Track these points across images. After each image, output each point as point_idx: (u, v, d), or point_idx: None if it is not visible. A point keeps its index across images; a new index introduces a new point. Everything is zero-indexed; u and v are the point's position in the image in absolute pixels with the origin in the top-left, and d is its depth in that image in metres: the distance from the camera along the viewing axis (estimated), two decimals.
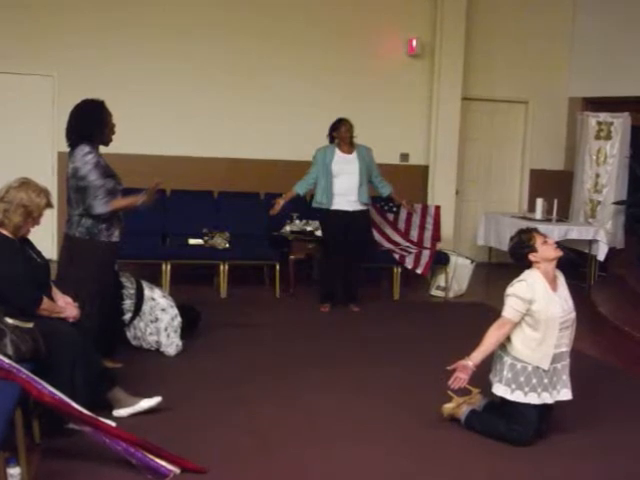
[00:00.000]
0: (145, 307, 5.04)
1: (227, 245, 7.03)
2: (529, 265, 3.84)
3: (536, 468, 3.59)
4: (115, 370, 4.33)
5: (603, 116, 8.47)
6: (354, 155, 6.47)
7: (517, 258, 3.91)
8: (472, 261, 7.52)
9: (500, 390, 3.81)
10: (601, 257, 7.88)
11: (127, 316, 5.00)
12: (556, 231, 7.59)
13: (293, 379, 4.66)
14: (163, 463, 3.26)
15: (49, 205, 3.73)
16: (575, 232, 7.87)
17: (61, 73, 7.76)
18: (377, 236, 7.53)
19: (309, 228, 7.15)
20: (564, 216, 8.53)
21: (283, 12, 8.26)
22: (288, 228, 7.23)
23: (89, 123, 4.37)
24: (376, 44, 8.54)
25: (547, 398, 3.79)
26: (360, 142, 6.55)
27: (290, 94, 8.29)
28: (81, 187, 4.30)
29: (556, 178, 9.19)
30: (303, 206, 7.16)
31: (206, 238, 7.06)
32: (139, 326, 5.05)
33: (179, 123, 8.04)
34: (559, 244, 4.36)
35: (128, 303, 5.00)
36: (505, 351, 3.83)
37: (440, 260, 7.36)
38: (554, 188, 8.65)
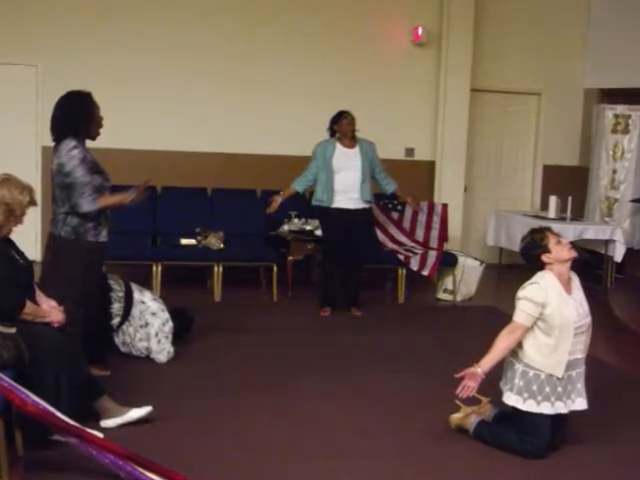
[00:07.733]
0: (134, 311, 5.04)
1: (221, 245, 7.03)
2: (542, 267, 3.84)
3: None
4: (103, 378, 4.33)
5: (620, 108, 8.48)
6: (356, 150, 6.46)
7: (529, 259, 3.90)
8: (481, 262, 7.52)
9: (511, 399, 3.81)
10: (618, 258, 7.89)
11: (115, 321, 5.00)
12: (570, 230, 7.60)
13: (291, 387, 4.66)
14: (153, 476, 3.25)
15: (32, 203, 3.72)
16: (590, 232, 7.88)
17: (46, 63, 7.76)
18: (380, 236, 7.54)
19: (308, 227, 7.15)
20: (579, 215, 8.54)
21: None
22: (286, 227, 7.23)
23: (75, 116, 4.37)
24: (379, 32, 8.54)
25: (561, 408, 3.78)
26: (362, 136, 6.55)
27: (288, 85, 8.29)
28: (67, 184, 4.30)
29: (570, 174, 9.20)
30: (302, 204, 7.15)
31: (199, 238, 7.06)
32: (128, 331, 5.04)
33: (170, 116, 8.04)
34: (574, 244, 4.36)
35: (116, 307, 4.99)
36: (517, 358, 3.82)
37: (447, 261, 7.35)
38: (568, 185, 8.65)
